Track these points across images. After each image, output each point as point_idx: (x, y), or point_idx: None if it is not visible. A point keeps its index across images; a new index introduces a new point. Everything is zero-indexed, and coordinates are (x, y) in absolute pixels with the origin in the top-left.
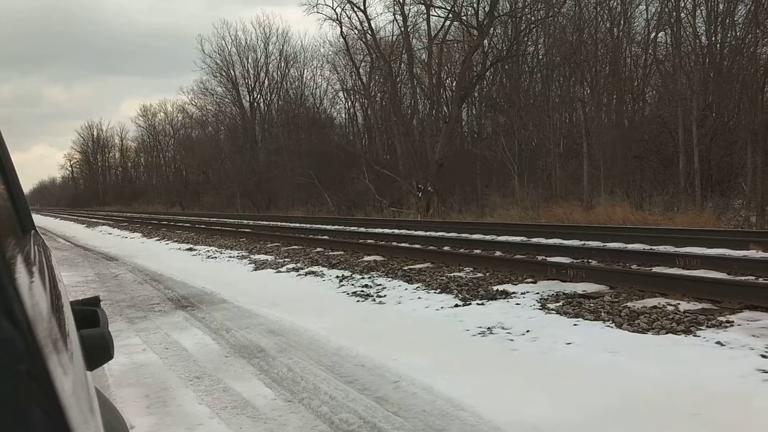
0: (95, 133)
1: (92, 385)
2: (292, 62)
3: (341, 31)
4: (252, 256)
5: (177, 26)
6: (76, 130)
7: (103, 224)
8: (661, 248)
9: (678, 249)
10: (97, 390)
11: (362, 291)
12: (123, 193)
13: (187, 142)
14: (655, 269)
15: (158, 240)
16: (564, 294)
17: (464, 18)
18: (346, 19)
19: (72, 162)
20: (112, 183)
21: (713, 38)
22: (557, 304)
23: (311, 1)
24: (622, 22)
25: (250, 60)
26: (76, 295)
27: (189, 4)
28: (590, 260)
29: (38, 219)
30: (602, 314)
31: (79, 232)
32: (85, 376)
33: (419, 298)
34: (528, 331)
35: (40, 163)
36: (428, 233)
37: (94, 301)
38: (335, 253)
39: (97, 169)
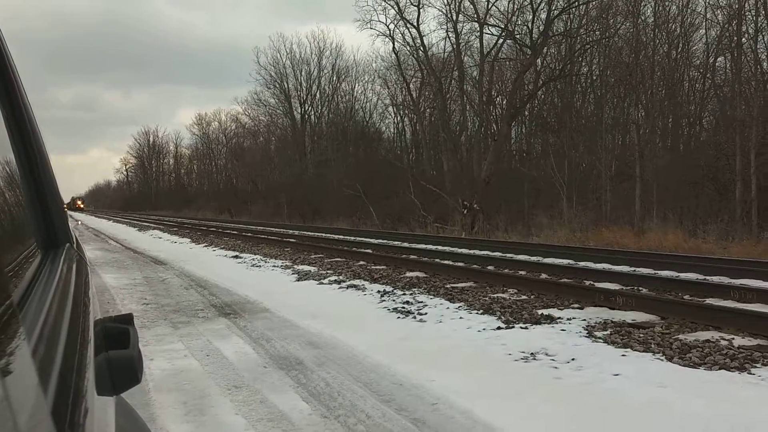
0: (151, 139)
1: (111, 410)
2: (344, 76)
3: (393, 47)
4: (295, 266)
5: (233, 39)
6: (132, 135)
7: (154, 228)
8: (715, 279)
9: (733, 280)
10: (128, 410)
11: (403, 307)
12: (175, 199)
13: (238, 151)
14: (709, 301)
15: (206, 246)
16: (612, 322)
17: (518, 36)
18: (399, 35)
19: (127, 166)
20: (164, 188)
21: None
22: (605, 333)
23: (365, 17)
24: (680, 46)
25: (303, 73)
26: (122, 299)
27: (246, 18)
28: (641, 288)
29: (92, 221)
30: (652, 345)
31: (130, 235)
32: (95, 403)
33: (461, 318)
34: (573, 359)
35: (96, 166)
36: (472, 251)
37: (127, 319)
38: (377, 267)
39: (151, 174)
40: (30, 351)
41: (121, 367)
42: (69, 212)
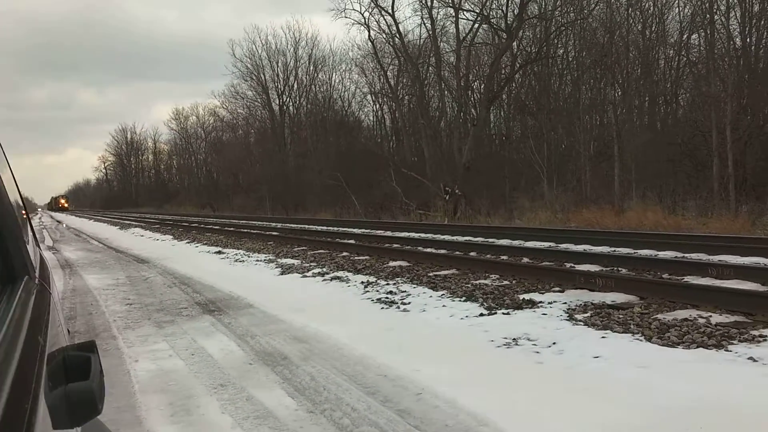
0: (129, 136)
1: None
2: (320, 66)
3: (369, 35)
4: (279, 260)
5: (206, 33)
6: (110, 133)
7: (136, 226)
8: (694, 256)
9: (711, 257)
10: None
11: (387, 298)
12: (155, 195)
13: (218, 145)
14: (687, 279)
15: (188, 243)
16: (592, 304)
17: (493, 21)
18: (374, 23)
19: (106, 164)
20: (145, 185)
21: (748, 40)
22: (585, 315)
23: (339, 5)
24: (654, 24)
25: (279, 64)
26: (105, 299)
27: (217, 12)
28: (620, 268)
29: (72, 220)
30: (632, 326)
31: (112, 233)
32: None
33: (444, 306)
34: (554, 343)
35: (74, 165)
36: (454, 238)
37: (89, 346)
38: (361, 257)
39: (130, 171)
40: None
41: (80, 400)
42: (51, 213)
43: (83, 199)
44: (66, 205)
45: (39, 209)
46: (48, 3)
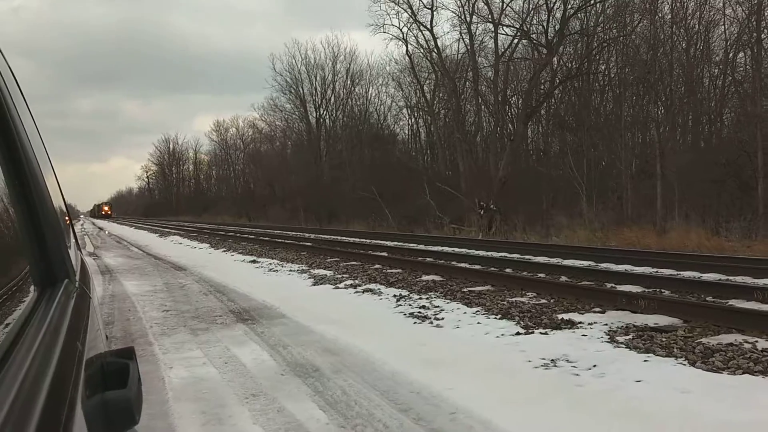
0: (171, 147)
1: None
2: (358, 80)
3: (407, 50)
4: (312, 270)
5: (248, 48)
6: (153, 143)
7: (174, 234)
8: (739, 279)
9: (756, 281)
10: None
11: (419, 312)
12: (194, 204)
13: (255, 156)
14: (732, 302)
15: (224, 251)
16: (634, 326)
17: (533, 36)
18: (412, 38)
19: (149, 173)
20: (184, 194)
21: None
22: (627, 337)
23: (378, 21)
24: (699, 42)
25: (318, 78)
26: (143, 306)
27: (259, 28)
28: (663, 290)
29: (114, 227)
30: (675, 350)
31: (151, 241)
32: None
33: (478, 323)
34: (595, 365)
35: (118, 173)
36: (489, 253)
37: (128, 353)
38: (393, 270)
39: (171, 180)
40: (9, 403)
41: (118, 409)
42: (93, 220)
43: (125, 207)
44: (109, 212)
45: (81, 216)
46: (97, 15)
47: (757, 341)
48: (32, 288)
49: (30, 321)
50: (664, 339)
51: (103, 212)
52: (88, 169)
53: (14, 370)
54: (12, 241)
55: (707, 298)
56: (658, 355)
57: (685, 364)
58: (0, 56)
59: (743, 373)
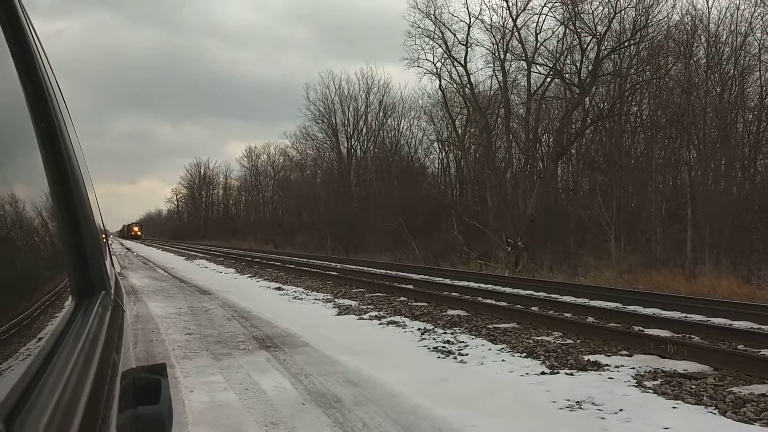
0: (202, 171)
1: None
2: (390, 112)
3: (440, 85)
4: (336, 300)
5: (282, 76)
6: (184, 166)
7: (201, 257)
8: None
9: None
10: None
11: (443, 347)
12: (222, 229)
13: (285, 183)
14: (764, 352)
15: (250, 277)
16: (663, 371)
17: (566, 76)
18: (446, 73)
19: (178, 196)
20: (213, 218)
21: None
22: (655, 383)
23: (413, 56)
24: (734, 87)
25: (350, 108)
26: (167, 328)
27: (294, 57)
28: (692, 336)
29: (141, 249)
30: (704, 398)
31: (178, 264)
32: None
33: (503, 360)
34: (621, 410)
35: (147, 195)
36: (515, 291)
37: (159, 369)
38: (418, 303)
39: (200, 204)
40: (50, 410)
41: (150, 425)
42: (121, 240)
43: (153, 229)
44: (139, 232)
45: (111, 236)
46: (136, 39)
47: None
48: (70, 297)
49: (69, 329)
50: (693, 386)
51: (133, 233)
52: (117, 189)
53: (55, 377)
54: (53, 250)
55: (738, 347)
56: (687, 402)
57: (715, 413)
58: (51, 76)
59: None
